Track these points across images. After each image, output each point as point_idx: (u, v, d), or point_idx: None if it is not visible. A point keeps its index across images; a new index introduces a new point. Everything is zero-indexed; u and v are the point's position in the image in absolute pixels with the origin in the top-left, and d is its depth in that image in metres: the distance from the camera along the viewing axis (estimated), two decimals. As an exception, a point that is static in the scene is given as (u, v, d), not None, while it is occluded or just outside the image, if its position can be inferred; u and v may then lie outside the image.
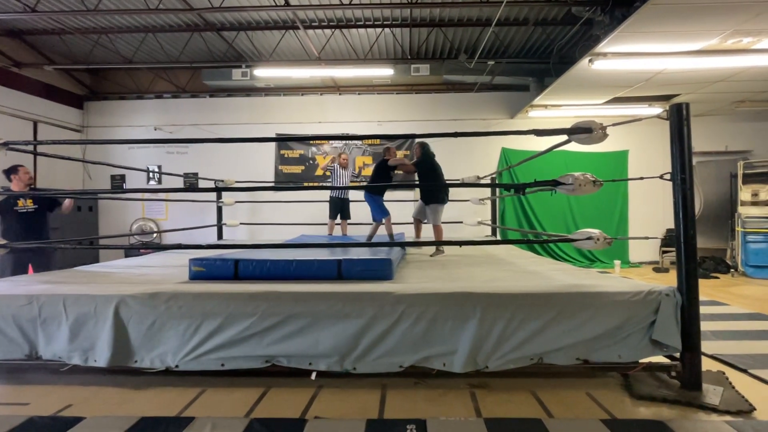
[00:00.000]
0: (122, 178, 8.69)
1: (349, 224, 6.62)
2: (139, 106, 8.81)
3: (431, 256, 4.91)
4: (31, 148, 5.20)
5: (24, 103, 7.44)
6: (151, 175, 8.70)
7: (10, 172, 4.29)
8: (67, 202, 4.48)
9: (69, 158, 4.21)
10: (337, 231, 6.61)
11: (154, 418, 2.21)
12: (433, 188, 5.10)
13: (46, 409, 2.32)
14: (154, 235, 8.30)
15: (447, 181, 7.16)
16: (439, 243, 3.71)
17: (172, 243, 7.94)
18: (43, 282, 3.13)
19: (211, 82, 8.05)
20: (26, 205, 4.29)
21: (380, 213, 5.17)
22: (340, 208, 6.51)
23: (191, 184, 8.44)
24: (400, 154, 8.48)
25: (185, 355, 2.57)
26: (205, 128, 8.49)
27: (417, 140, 5.38)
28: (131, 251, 6.52)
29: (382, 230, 5.30)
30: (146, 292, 2.64)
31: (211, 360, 2.57)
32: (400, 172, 5.65)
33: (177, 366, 2.57)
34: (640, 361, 2.58)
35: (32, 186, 4.50)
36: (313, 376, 2.65)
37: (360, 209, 6.27)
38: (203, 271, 3.19)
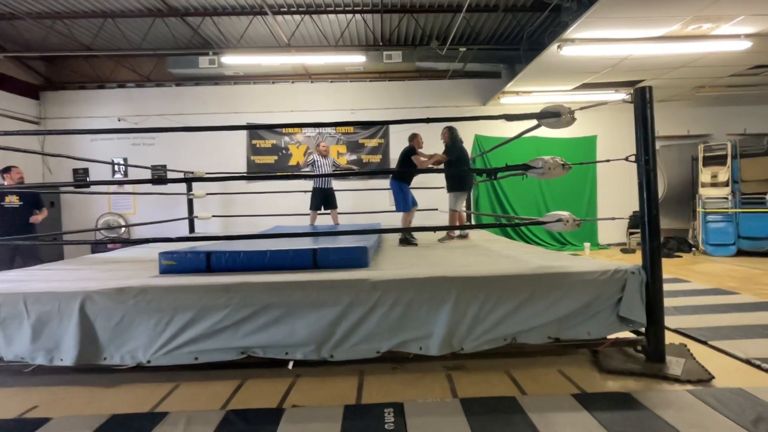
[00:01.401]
0: (85, 171, 8.33)
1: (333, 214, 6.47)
2: (101, 96, 8.42)
3: (439, 240, 4.95)
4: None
5: (-27, 93, 7.00)
6: (116, 167, 8.37)
7: (4, 171, 4.77)
8: (39, 216, 4.88)
9: (26, 151, 4.01)
10: (324, 221, 6.45)
11: (126, 415, 2.16)
12: (460, 175, 5.05)
13: (9, 411, 2.23)
14: (122, 230, 8.02)
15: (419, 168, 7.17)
16: (412, 229, 3.73)
17: (142, 238, 7.70)
18: (2, 281, 2.98)
19: (176, 70, 7.76)
20: (12, 201, 4.71)
21: (404, 205, 4.98)
22: (324, 198, 6.30)
23: (160, 176, 8.18)
24: (374, 141, 8.45)
25: (157, 350, 2.51)
26: (172, 118, 8.21)
27: (446, 125, 5.14)
28: (98, 247, 6.29)
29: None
30: (113, 287, 2.55)
31: (184, 354, 2.51)
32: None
33: (149, 361, 2.51)
34: (608, 337, 2.68)
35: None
36: (290, 365, 2.64)
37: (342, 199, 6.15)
38: (174, 265, 3.11)
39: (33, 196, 4.83)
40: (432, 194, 6.95)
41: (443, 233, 5.07)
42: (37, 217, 4.86)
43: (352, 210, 7.44)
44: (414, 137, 5.13)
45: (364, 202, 7.86)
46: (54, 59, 8.26)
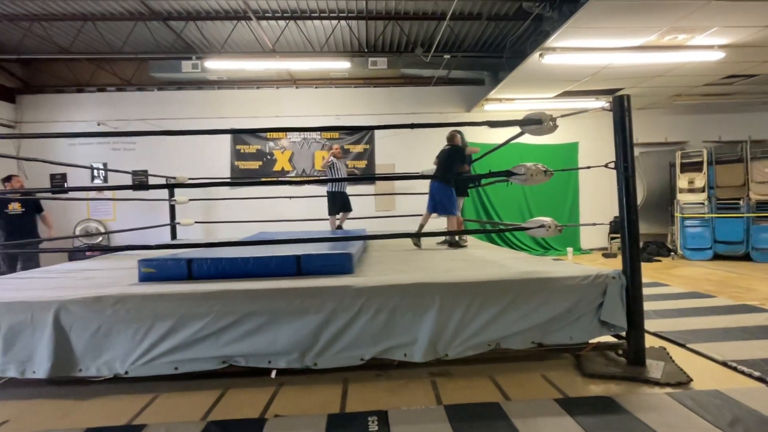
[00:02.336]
0: (63, 177, 8.13)
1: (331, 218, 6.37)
2: (80, 99, 8.25)
3: (438, 244, 5.01)
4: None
5: (-55, 96, 6.78)
6: (95, 173, 8.19)
7: (5, 180, 5.04)
8: (50, 220, 5.36)
9: (1, 155, 3.90)
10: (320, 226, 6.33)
11: (101, 428, 2.09)
12: (464, 180, 5.19)
13: (-23, 427, 2.14)
14: (101, 236, 7.84)
15: (404, 174, 7.21)
16: (405, 235, 3.69)
17: (121, 245, 7.53)
18: (-29, 290, 2.87)
19: (159, 74, 7.66)
20: (15, 208, 4.98)
21: (452, 207, 4.83)
22: (342, 202, 6.12)
23: (141, 182, 8.03)
24: (359, 147, 8.45)
25: (135, 361, 2.44)
26: (154, 123, 8.08)
27: (452, 129, 5.03)
28: (76, 255, 6.13)
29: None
30: (90, 296, 2.48)
31: (163, 364, 2.45)
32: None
33: (126, 372, 2.44)
34: (590, 341, 2.71)
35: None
36: (273, 374, 2.59)
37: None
38: (154, 273, 3.03)
39: (34, 202, 5.12)
40: (417, 199, 6.94)
41: (442, 238, 5.05)
42: (50, 222, 5.30)
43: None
44: (455, 136, 4.96)
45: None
46: (31, 62, 8.08)
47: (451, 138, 5.00)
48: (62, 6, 6.25)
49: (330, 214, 6.13)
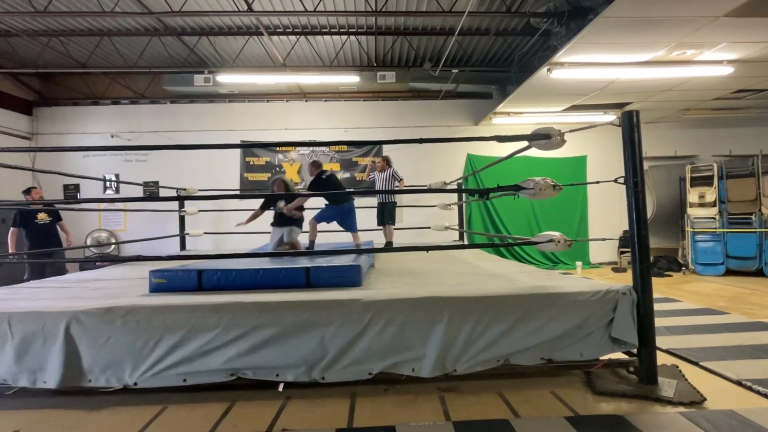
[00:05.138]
0: (76, 188, 8.27)
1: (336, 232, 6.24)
2: (95, 112, 8.42)
3: None
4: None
5: (-35, 108, 6.97)
6: (108, 184, 8.32)
7: (26, 192, 5.34)
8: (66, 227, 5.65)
9: (17, 167, 3.98)
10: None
11: (110, 439, 2.10)
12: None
13: (-12, 436, 2.16)
14: (112, 246, 7.92)
15: (413, 187, 7.22)
16: (413, 248, 3.66)
17: (132, 255, 7.61)
18: (-15, 300, 2.92)
19: (172, 87, 7.81)
20: (44, 218, 5.25)
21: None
22: (379, 213, 5.92)
23: (152, 193, 8.13)
24: (367, 160, 8.51)
25: (144, 372, 2.46)
26: (166, 135, 8.21)
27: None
28: (87, 264, 6.21)
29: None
30: (101, 308, 2.51)
31: (172, 376, 2.46)
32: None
33: (135, 384, 2.45)
34: (601, 358, 2.68)
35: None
36: (281, 387, 2.59)
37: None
38: (165, 283, 3.07)
39: (55, 212, 5.40)
40: (425, 212, 6.97)
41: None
42: (67, 228, 5.59)
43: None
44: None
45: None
46: (48, 75, 8.29)
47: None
48: (80, 22, 6.43)
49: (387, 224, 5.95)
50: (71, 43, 7.04)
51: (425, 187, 6.74)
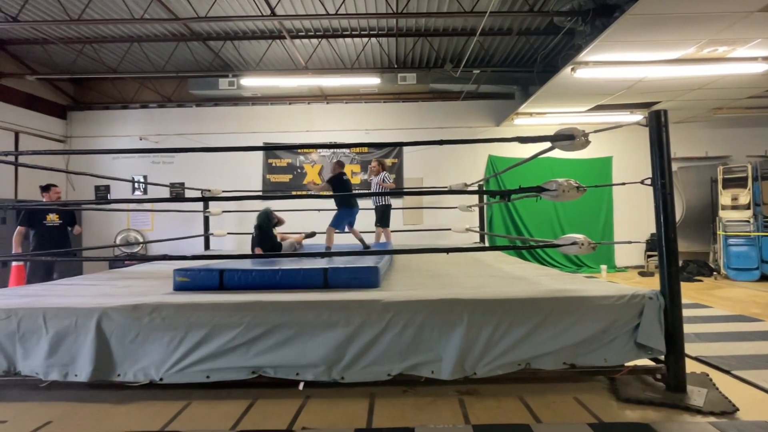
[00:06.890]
0: (107, 188, 8.56)
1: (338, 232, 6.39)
2: (124, 115, 8.72)
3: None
4: (11, 159, 5.15)
5: (5, 113, 7.31)
6: (136, 185, 8.60)
7: (44, 189, 4.91)
8: (77, 228, 5.14)
9: (52, 169, 4.18)
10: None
11: (137, 433, 2.16)
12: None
13: (23, 427, 2.25)
14: (140, 246, 8.17)
15: (433, 188, 7.20)
16: (433, 250, 3.66)
17: (158, 254, 7.82)
18: (22, 295, 3.06)
19: (197, 91, 8.01)
20: (53, 219, 4.90)
21: (334, 220, 5.17)
22: (377, 214, 6.06)
23: (177, 194, 8.35)
24: (388, 162, 8.52)
25: (169, 368, 2.52)
26: (192, 138, 8.43)
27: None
28: (116, 263, 6.42)
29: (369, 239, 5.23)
30: (129, 304, 2.59)
31: (196, 372, 2.52)
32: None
33: (161, 379, 2.52)
34: (626, 364, 2.60)
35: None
36: (301, 386, 2.62)
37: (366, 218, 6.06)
38: (188, 282, 3.15)
39: (69, 214, 5.07)
40: (445, 214, 6.92)
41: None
42: (78, 229, 5.19)
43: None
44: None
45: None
46: (82, 81, 8.63)
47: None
48: (112, 29, 6.67)
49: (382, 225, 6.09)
50: (103, 49, 7.32)
51: (445, 189, 6.71)
